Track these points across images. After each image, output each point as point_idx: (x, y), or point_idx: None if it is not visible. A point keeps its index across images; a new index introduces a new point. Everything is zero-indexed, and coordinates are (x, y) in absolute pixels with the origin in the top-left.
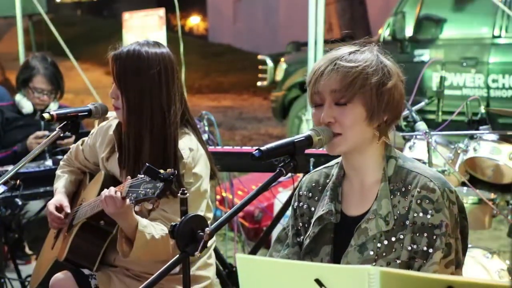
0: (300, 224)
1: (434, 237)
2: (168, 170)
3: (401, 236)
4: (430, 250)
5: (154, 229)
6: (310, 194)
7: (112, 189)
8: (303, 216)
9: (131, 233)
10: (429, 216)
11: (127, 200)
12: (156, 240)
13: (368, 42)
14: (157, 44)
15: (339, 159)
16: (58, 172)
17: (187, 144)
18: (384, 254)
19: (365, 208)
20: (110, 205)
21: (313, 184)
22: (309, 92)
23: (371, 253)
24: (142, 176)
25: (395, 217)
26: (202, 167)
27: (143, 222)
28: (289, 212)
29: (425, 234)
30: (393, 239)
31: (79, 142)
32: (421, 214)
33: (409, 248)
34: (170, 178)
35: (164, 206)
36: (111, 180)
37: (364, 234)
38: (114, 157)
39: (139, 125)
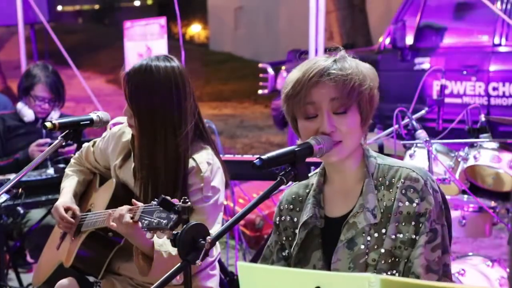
0: (284, 238)
1: (420, 224)
2: (182, 201)
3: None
4: (417, 238)
5: (171, 246)
6: (291, 206)
7: (124, 209)
8: (287, 230)
9: (148, 251)
10: (414, 205)
11: (139, 224)
12: (174, 257)
13: (334, 49)
14: (167, 59)
15: (317, 170)
16: (67, 170)
17: (205, 158)
18: (375, 247)
19: (349, 207)
20: (119, 227)
21: (293, 196)
22: (298, 103)
23: (362, 247)
24: (156, 204)
25: (382, 210)
26: (220, 180)
27: (158, 241)
28: None
29: (413, 223)
30: (383, 231)
31: (91, 143)
32: (406, 203)
33: (393, 237)
34: (185, 214)
35: None
36: (122, 189)
37: (354, 228)
38: (127, 166)
39: (152, 143)
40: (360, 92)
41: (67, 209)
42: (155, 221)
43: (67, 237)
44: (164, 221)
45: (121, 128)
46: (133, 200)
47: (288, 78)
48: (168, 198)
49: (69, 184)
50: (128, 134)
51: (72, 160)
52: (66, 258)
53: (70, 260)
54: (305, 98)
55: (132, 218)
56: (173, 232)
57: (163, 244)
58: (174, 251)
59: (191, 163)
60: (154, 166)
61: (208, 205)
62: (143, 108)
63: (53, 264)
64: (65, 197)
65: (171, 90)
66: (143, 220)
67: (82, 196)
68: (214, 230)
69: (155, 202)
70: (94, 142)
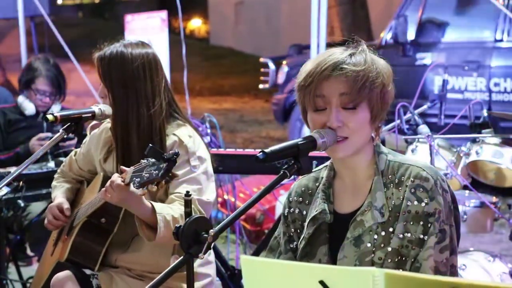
0: (293, 230)
1: (429, 224)
2: (170, 151)
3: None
4: (426, 238)
5: (171, 209)
6: (301, 199)
7: (115, 175)
8: (295, 222)
9: (150, 218)
10: (423, 204)
11: (131, 185)
12: (177, 219)
13: (357, 42)
14: (141, 43)
15: (327, 163)
16: (54, 183)
17: (185, 132)
18: (382, 246)
19: (358, 204)
20: (112, 194)
21: (303, 189)
22: (309, 95)
23: (368, 245)
24: (145, 160)
25: (390, 209)
26: (204, 151)
27: (158, 205)
28: None
29: (421, 223)
30: (390, 229)
31: (72, 153)
32: (415, 203)
33: (401, 236)
34: (173, 159)
35: (176, 189)
36: None
37: (361, 226)
38: (112, 157)
39: (125, 118)
40: (371, 89)
41: (60, 209)
42: (146, 175)
43: (60, 240)
44: (155, 172)
45: (100, 128)
46: (122, 167)
47: (303, 68)
48: (155, 147)
49: (61, 191)
50: (109, 130)
51: (56, 175)
52: (61, 253)
53: (65, 253)
54: (315, 90)
55: (123, 181)
56: (176, 225)
57: (164, 207)
58: (176, 213)
59: (173, 138)
60: (128, 140)
61: (198, 174)
62: (116, 82)
63: (49, 267)
64: (59, 200)
65: (143, 65)
66: (134, 179)
67: (72, 203)
68: (211, 197)
69: (144, 161)
70: (75, 152)
